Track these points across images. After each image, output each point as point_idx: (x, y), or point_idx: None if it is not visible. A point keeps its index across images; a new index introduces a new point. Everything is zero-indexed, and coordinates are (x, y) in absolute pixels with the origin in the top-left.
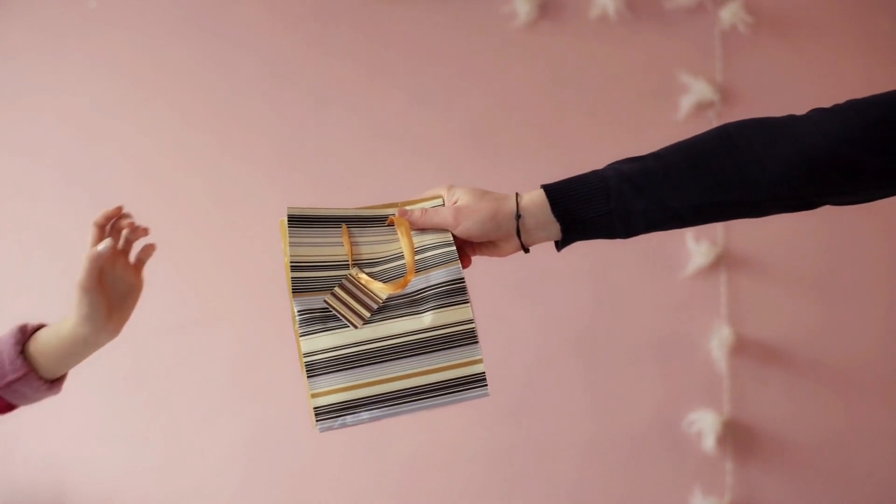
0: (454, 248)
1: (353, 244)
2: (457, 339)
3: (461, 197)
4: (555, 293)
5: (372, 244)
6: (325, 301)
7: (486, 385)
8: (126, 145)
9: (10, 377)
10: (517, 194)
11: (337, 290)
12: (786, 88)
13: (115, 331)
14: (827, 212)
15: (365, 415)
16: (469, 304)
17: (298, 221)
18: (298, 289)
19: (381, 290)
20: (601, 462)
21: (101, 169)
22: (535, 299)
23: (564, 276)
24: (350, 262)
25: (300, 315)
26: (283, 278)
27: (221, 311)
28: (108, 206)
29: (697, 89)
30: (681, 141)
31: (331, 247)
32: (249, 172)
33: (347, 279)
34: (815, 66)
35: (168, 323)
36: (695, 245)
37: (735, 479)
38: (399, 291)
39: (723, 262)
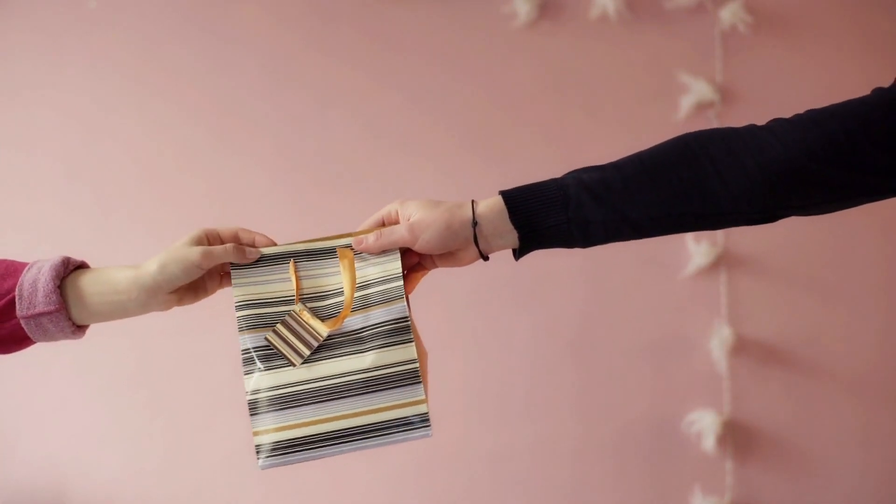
0: (401, 283)
1: (302, 278)
2: (400, 378)
3: (414, 211)
4: (555, 294)
5: (321, 277)
6: (266, 338)
7: (430, 426)
8: (127, 144)
9: (41, 309)
10: (473, 201)
11: (279, 326)
12: (786, 88)
13: (165, 307)
14: None
15: (306, 454)
16: (413, 344)
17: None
18: (244, 327)
19: (321, 327)
20: (601, 462)
21: (102, 167)
22: (535, 300)
23: (564, 277)
24: (296, 298)
25: (244, 353)
26: None
27: (222, 312)
28: (109, 204)
29: (697, 89)
30: (641, 151)
31: (280, 283)
32: (249, 172)
33: (290, 316)
34: (815, 66)
35: (168, 323)
36: (695, 245)
37: (735, 479)
38: (336, 328)
39: (723, 262)
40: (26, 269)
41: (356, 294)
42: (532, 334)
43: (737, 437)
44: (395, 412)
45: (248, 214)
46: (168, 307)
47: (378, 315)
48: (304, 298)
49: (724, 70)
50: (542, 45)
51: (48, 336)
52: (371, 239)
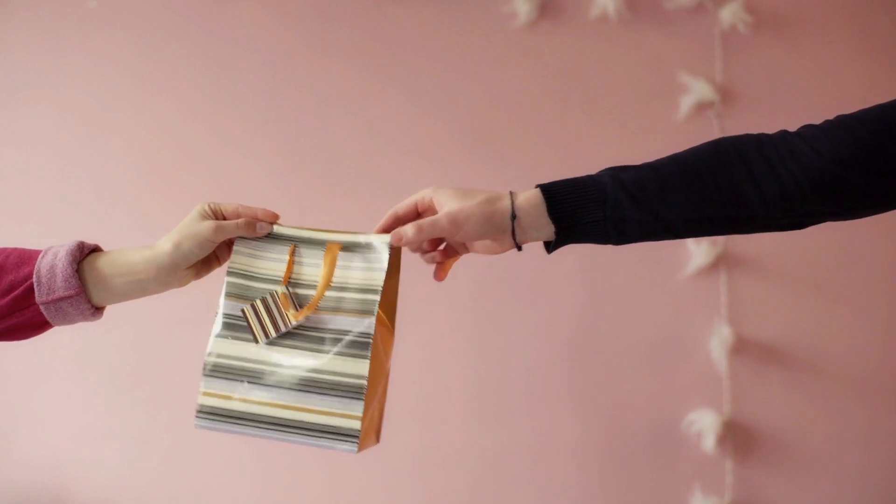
0: (378, 297)
1: (296, 263)
2: (344, 389)
3: (449, 199)
4: (555, 293)
5: (314, 267)
6: (243, 310)
7: (356, 443)
8: (127, 143)
9: (61, 294)
10: (511, 193)
11: (257, 302)
12: (786, 88)
13: (184, 283)
14: None
15: (238, 428)
16: (368, 361)
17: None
18: (230, 293)
19: (292, 315)
20: (601, 462)
21: (102, 165)
22: (535, 300)
23: (565, 276)
24: (283, 281)
25: (217, 316)
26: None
27: None
28: (109, 202)
29: (697, 89)
30: (677, 153)
31: (275, 262)
32: (249, 171)
33: (271, 295)
34: (815, 65)
35: (169, 320)
36: (695, 245)
37: (735, 479)
38: (298, 320)
39: (723, 262)
40: (41, 255)
41: (333, 293)
42: (532, 334)
43: (737, 437)
44: (329, 419)
45: None
46: (186, 283)
47: (346, 322)
48: (292, 284)
49: (724, 70)
50: (542, 45)
51: (67, 319)
52: (411, 233)
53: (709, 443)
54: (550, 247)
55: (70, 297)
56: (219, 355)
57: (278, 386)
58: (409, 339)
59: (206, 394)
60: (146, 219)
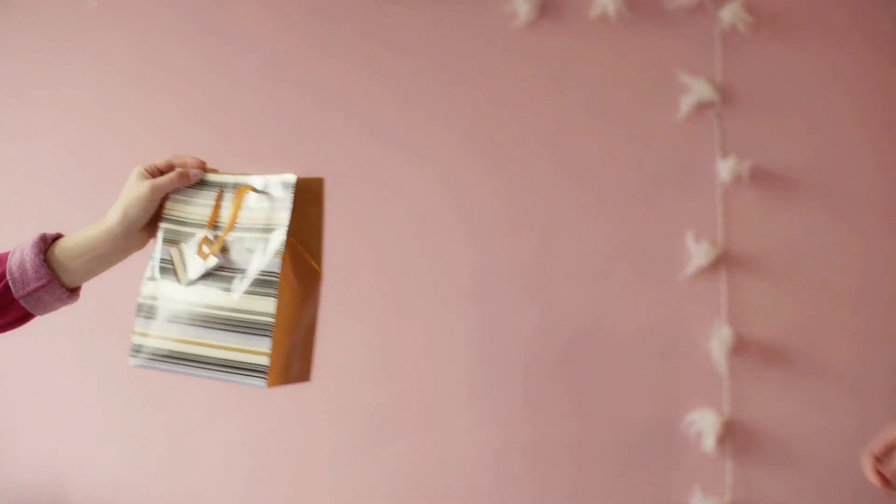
0: (284, 238)
1: (222, 208)
2: (253, 326)
3: None
4: (555, 293)
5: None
6: (170, 253)
7: (265, 378)
8: (127, 143)
9: (34, 285)
10: None
11: (182, 245)
12: (786, 88)
13: (142, 245)
14: (827, 211)
15: (167, 367)
16: (274, 299)
17: None
18: (166, 238)
19: (202, 256)
20: (601, 462)
21: (102, 165)
22: (535, 299)
23: (564, 276)
24: (209, 224)
25: (152, 261)
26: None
27: None
28: (109, 203)
29: (697, 89)
30: None
31: (203, 208)
32: (248, 171)
33: (194, 239)
34: (816, 65)
35: None
36: (695, 245)
37: (735, 479)
38: (207, 261)
39: (723, 262)
40: (9, 255)
41: (243, 234)
42: (531, 334)
43: (737, 437)
44: (239, 355)
45: None
46: (144, 244)
47: (258, 262)
48: (217, 227)
49: (724, 70)
50: (542, 45)
51: (47, 307)
52: None
53: (709, 443)
54: None
55: (44, 286)
56: (148, 297)
57: (197, 324)
58: (408, 339)
59: (136, 333)
60: None
